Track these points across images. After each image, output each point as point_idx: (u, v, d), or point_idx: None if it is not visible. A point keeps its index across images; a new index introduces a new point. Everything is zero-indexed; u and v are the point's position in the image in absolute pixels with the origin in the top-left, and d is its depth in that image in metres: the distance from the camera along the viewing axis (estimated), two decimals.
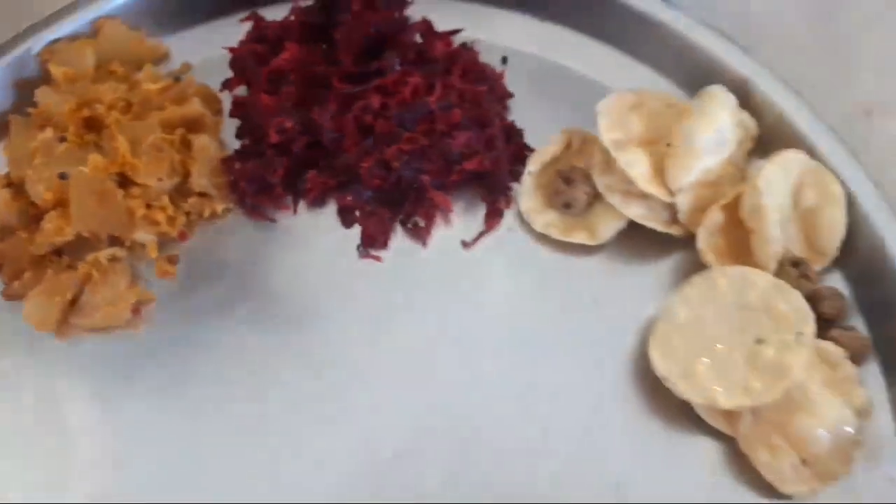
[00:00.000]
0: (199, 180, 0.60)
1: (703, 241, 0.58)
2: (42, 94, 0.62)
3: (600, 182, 0.60)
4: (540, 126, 0.65)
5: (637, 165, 0.58)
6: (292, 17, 0.67)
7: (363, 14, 0.63)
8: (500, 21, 0.71)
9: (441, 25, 0.68)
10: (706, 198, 0.59)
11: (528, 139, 0.65)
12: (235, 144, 0.65)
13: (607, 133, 0.59)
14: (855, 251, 0.59)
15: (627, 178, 0.58)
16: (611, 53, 0.69)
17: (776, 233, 0.55)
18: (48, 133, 0.60)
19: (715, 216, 0.58)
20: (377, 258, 0.62)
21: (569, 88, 0.68)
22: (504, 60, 0.69)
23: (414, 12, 0.67)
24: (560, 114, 0.66)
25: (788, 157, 0.58)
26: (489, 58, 0.68)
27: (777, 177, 0.56)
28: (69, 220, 0.57)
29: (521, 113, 0.66)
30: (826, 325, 0.57)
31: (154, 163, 0.59)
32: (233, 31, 0.68)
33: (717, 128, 0.58)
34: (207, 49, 0.69)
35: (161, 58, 0.68)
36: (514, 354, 0.58)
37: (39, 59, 0.65)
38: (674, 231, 0.60)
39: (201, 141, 0.60)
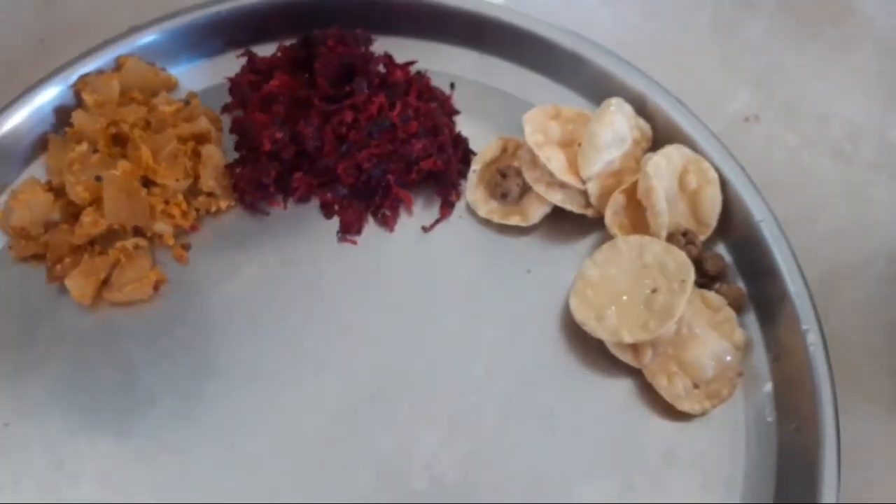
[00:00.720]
0: (208, 182, 0.73)
1: (609, 219, 0.72)
2: (78, 117, 0.75)
3: (529, 175, 0.74)
4: (481, 135, 0.79)
5: (555, 160, 0.72)
6: (279, 53, 0.81)
7: (336, 48, 0.77)
8: (449, 54, 0.85)
9: (400, 58, 0.83)
10: (611, 185, 0.73)
11: (472, 145, 0.79)
12: (234, 155, 0.79)
13: (531, 136, 0.74)
14: (731, 223, 0.73)
15: (549, 171, 0.72)
16: (536, 77, 0.83)
17: (663, 206, 0.70)
18: (83, 146, 0.73)
19: (618, 199, 0.72)
20: (353, 242, 0.75)
21: (503, 105, 0.81)
22: (452, 86, 0.84)
23: (378, 47, 0.82)
24: (497, 125, 0.80)
25: (671, 150, 0.73)
26: (440, 83, 0.83)
27: (663, 164, 0.71)
28: (103, 214, 0.70)
29: (467, 125, 0.80)
30: (711, 282, 0.71)
31: (171, 167, 0.72)
32: (229, 65, 0.82)
33: (614, 128, 0.73)
34: (209, 80, 0.82)
35: (172, 87, 0.82)
36: (465, 314, 0.71)
37: (74, 90, 0.78)
38: (588, 212, 0.74)
39: (209, 150, 0.74)
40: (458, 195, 0.77)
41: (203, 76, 0.83)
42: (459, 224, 0.76)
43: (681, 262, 0.68)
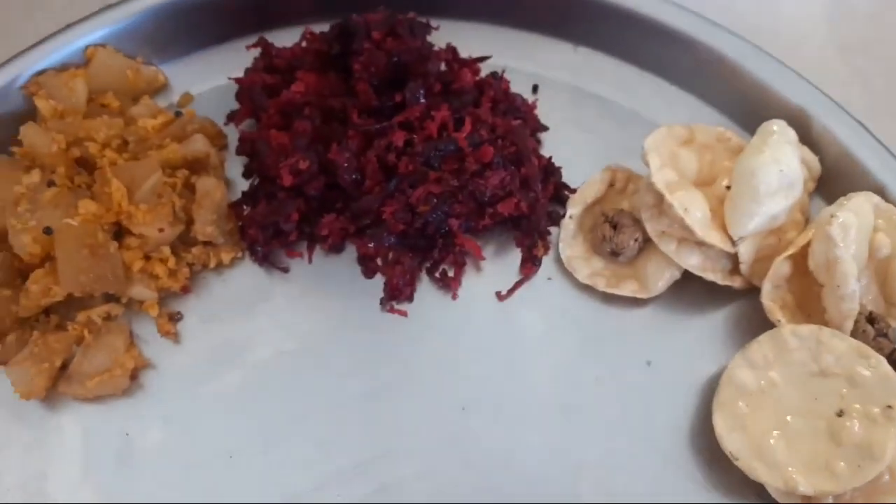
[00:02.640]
0: (205, 228, 0.53)
1: (769, 296, 0.51)
2: (28, 133, 0.54)
3: (652, 228, 0.52)
4: (578, 162, 0.58)
5: (694, 211, 0.50)
6: (305, 44, 0.59)
7: (384, 42, 0.55)
8: (530, 46, 0.63)
9: (467, 51, 0.61)
10: (770, 246, 0.52)
11: (566, 177, 0.58)
12: (241, 183, 0.58)
13: (659, 174, 0.52)
14: None
15: (682, 223, 0.50)
16: (651, 80, 0.62)
17: (854, 289, 0.48)
18: (34, 176, 0.53)
19: (781, 267, 0.51)
20: (402, 313, 0.54)
21: (607, 119, 0.61)
22: (535, 89, 0.62)
23: (437, 38, 0.60)
24: (599, 148, 0.59)
25: (861, 201, 0.50)
26: (519, 86, 0.61)
27: (851, 225, 0.49)
28: (57, 279, 0.49)
29: (557, 147, 0.59)
30: None
31: (154, 211, 0.51)
32: (238, 58, 0.61)
33: (781, 168, 0.50)
34: (210, 78, 0.62)
35: (159, 88, 0.61)
36: (558, 425, 0.51)
37: (25, 92, 0.57)
38: (735, 283, 0.52)
39: (206, 184, 0.53)
40: (548, 248, 0.56)
41: (200, 73, 0.62)
42: (548, 289, 0.56)
43: (883, 376, 0.46)
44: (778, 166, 0.50)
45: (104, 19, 0.59)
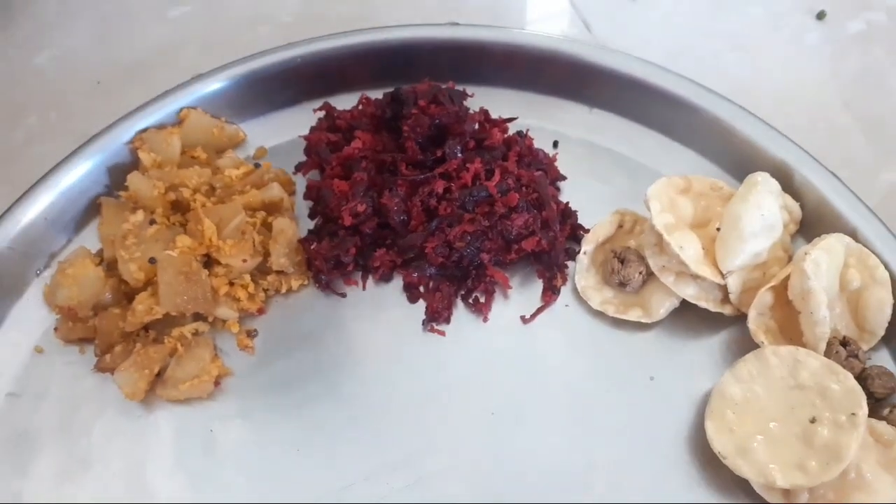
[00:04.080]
0: (279, 260, 0.61)
1: (754, 322, 0.58)
2: (133, 180, 0.64)
3: (654, 263, 0.60)
4: (592, 206, 0.66)
5: (688, 249, 0.58)
6: (361, 107, 0.69)
7: (429, 109, 0.64)
8: (551, 108, 0.72)
9: (497, 113, 0.70)
10: (755, 279, 0.59)
11: (581, 219, 0.66)
12: (306, 222, 0.67)
13: (660, 217, 0.60)
14: None
15: (679, 259, 0.58)
16: (655, 137, 0.70)
17: (824, 314, 0.55)
18: (139, 216, 0.62)
19: (764, 297, 0.58)
20: (441, 333, 0.62)
21: (617, 170, 0.69)
22: (555, 144, 0.70)
23: (472, 103, 0.69)
24: (609, 194, 0.67)
25: (832, 242, 0.58)
26: (540, 142, 0.69)
27: (823, 261, 0.56)
28: (158, 300, 0.59)
29: (574, 194, 0.67)
30: (877, 404, 0.56)
31: (238, 245, 0.60)
32: (305, 118, 0.71)
33: (762, 213, 0.58)
34: (281, 135, 0.71)
35: (239, 143, 0.71)
36: (572, 430, 0.58)
37: (130, 147, 0.67)
38: (725, 311, 0.60)
39: (281, 224, 0.62)
40: (565, 279, 0.64)
41: (273, 130, 0.72)
42: (566, 314, 0.63)
43: (849, 389, 0.53)
44: (760, 211, 0.58)
45: (195, 87, 0.69)
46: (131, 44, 0.79)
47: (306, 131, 0.70)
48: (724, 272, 0.58)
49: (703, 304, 0.59)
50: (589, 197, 0.67)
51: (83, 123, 0.69)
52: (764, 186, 0.60)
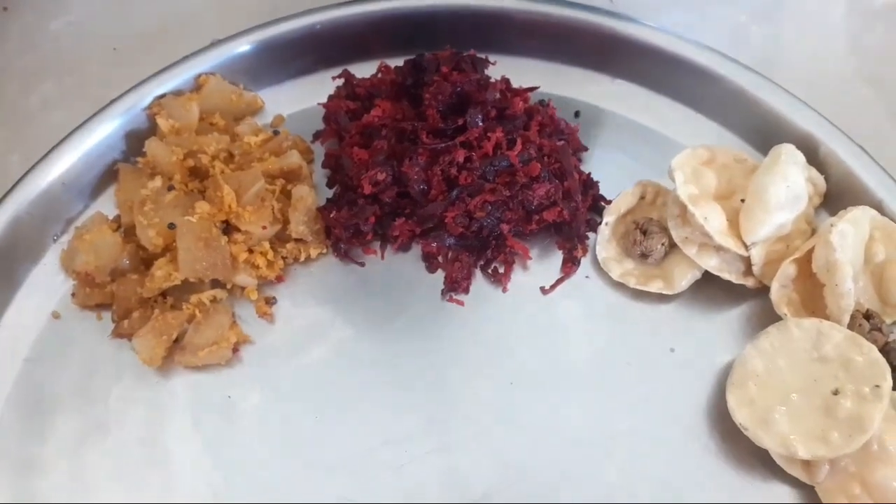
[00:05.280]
0: (298, 227, 0.61)
1: (777, 294, 0.57)
2: (151, 146, 0.63)
3: (677, 234, 0.59)
4: (614, 178, 0.65)
5: (713, 220, 0.58)
6: (381, 74, 0.68)
7: (451, 76, 0.64)
8: (573, 77, 0.71)
9: (518, 82, 0.69)
10: (779, 251, 0.59)
11: (603, 190, 0.65)
12: (325, 191, 0.66)
13: (683, 188, 0.59)
14: None
15: (703, 230, 0.58)
16: (678, 108, 0.69)
17: (850, 287, 0.54)
18: (157, 182, 0.61)
19: (788, 269, 0.57)
20: (460, 302, 0.62)
21: (639, 142, 0.68)
22: (577, 114, 0.70)
23: (494, 71, 0.68)
24: (632, 166, 0.66)
25: (858, 214, 0.57)
26: (563, 113, 0.68)
27: (848, 233, 0.56)
28: (177, 267, 0.58)
29: (595, 165, 0.67)
30: None
31: (258, 212, 0.60)
32: (323, 86, 0.70)
33: (788, 184, 0.57)
34: (300, 102, 0.70)
35: (257, 110, 0.70)
36: (593, 401, 0.57)
37: (148, 113, 0.66)
38: (748, 283, 0.59)
39: (300, 191, 0.61)
40: (585, 250, 0.63)
41: (292, 98, 0.71)
42: (586, 286, 0.62)
43: (873, 361, 0.53)
44: (785, 183, 0.57)
45: (213, 53, 0.68)
46: (148, 10, 0.77)
47: (325, 99, 0.69)
48: (748, 244, 0.58)
49: (725, 275, 0.59)
50: (611, 168, 0.66)
51: (100, 90, 0.68)
52: (789, 157, 0.59)
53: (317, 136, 0.68)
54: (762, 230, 0.57)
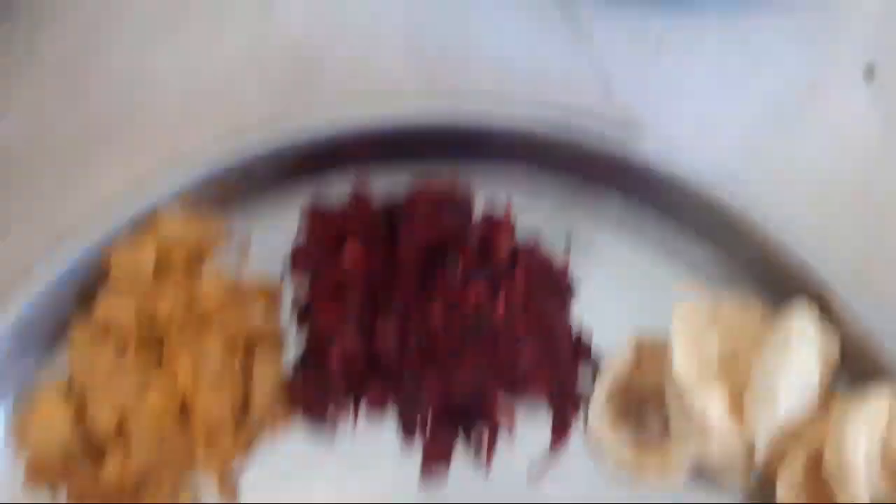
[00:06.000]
0: (262, 404, 0.56)
1: (784, 496, 0.52)
2: (103, 305, 0.57)
3: (674, 416, 0.54)
4: (607, 314, 0.60)
5: (713, 408, 0.52)
6: (353, 207, 0.61)
7: (429, 227, 0.58)
8: (565, 191, 0.64)
9: (503, 192, 0.63)
10: (785, 442, 0.53)
11: (598, 330, 0.60)
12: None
13: (682, 362, 0.54)
14: None
15: (702, 417, 0.52)
16: (679, 233, 0.62)
17: (864, 495, 0.50)
18: (109, 349, 0.56)
19: (795, 468, 0.52)
20: (440, 478, 0.57)
21: (636, 271, 0.62)
22: (568, 237, 0.63)
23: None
24: (627, 300, 0.61)
25: (875, 406, 0.52)
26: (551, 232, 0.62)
27: (865, 430, 0.50)
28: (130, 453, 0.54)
29: (587, 295, 0.61)
30: None
31: (217, 392, 0.55)
32: (289, 202, 0.63)
33: (799, 370, 0.52)
34: (265, 221, 0.63)
35: (220, 240, 0.63)
36: None
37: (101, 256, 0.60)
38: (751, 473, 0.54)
39: (263, 367, 0.56)
40: (577, 414, 0.58)
41: (259, 219, 0.64)
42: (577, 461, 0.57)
43: None
44: (795, 368, 0.52)
45: (168, 177, 0.61)
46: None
47: (295, 216, 0.63)
48: (752, 430, 0.53)
49: (726, 466, 0.54)
50: (604, 303, 0.61)
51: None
52: (799, 337, 0.53)
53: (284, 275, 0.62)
54: (768, 424, 0.52)
